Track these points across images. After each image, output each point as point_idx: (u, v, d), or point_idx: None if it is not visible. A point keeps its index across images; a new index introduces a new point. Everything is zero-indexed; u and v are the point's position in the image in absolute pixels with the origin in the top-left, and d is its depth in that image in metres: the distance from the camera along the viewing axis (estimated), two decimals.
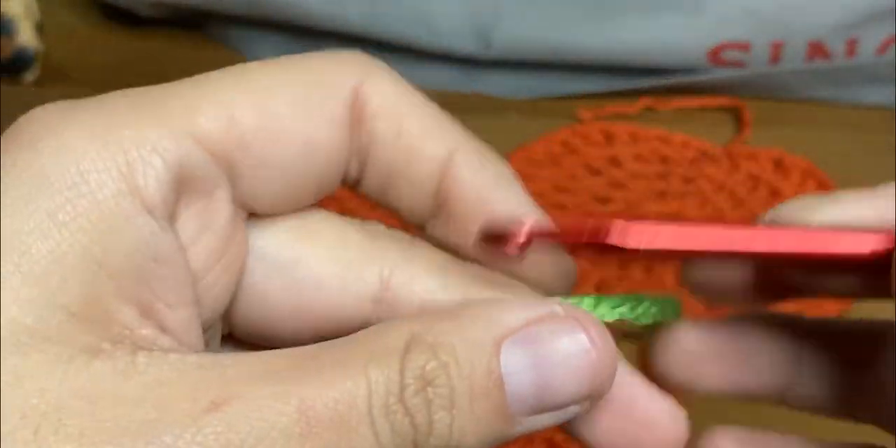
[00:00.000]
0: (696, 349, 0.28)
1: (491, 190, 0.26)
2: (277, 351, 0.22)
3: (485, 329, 0.23)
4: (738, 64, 0.66)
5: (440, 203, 0.26)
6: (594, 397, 0.23)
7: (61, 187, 0.22)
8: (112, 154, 0.23)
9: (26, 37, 0.67)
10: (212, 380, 0.21)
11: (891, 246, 0.25)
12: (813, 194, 0.26)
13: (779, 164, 0.62)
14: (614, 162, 0.62)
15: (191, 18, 0.72)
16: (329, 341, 0.23)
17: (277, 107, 0.25)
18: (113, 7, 0.72)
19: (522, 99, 0.68)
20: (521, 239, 0.24)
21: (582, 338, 0.23)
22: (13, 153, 0.23)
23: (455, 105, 0.75)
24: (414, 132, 0.26)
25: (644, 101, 0.67)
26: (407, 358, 0.22)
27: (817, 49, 0.65)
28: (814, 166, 0.61)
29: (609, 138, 0.64)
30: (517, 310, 0.23)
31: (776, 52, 0.65)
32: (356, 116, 0.26)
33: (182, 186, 0.23)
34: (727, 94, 0.67)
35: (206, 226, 0.24)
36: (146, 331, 0.22)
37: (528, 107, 0.68)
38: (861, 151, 0.64)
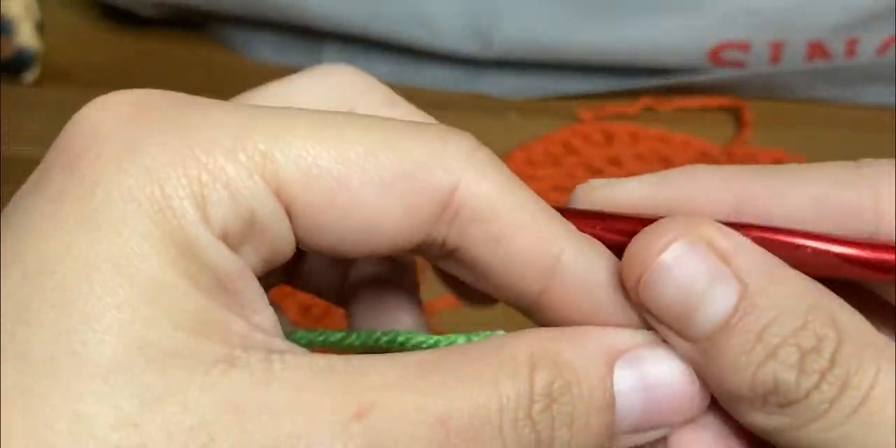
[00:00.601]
0: None
1: (598, 298, 0.25)
2: (403, 356, 0.23)
3: (599, 348, 0.24)
4: (738, 64, 0.66)
5: (541, 299, 0.26)
6: (686, 422, 0.25)
7: (149, 210, 0.22)
8: (190, 181, 0.23)
9: (26, 37, 0.67)
10: (351, 385, 0.22)
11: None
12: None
13: (779, 164, 0.62)
14: (614, 162, 0.62)
15: (191, 18, 0.72)
16: (449, 348, 0.24)
17: (361, 187, 0.23)
18: (113, 7, 0.72)
19: (522, 99, 0.68)
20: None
21: (682, 364, 0.24)
22: (97, 169, 0.23)
23: (455, 105, 0.75)
24: (515, 240, 0.25)
25: (644, 101, 0.67)
26: (535, 375, 0.23)
27: (817, 49, 0.65)
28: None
29: (609, 138, 0.64)
30: (627, 333, 0.24)
31: (776, 52, 0.65)
32: (447, 215, 0.24)
33: (245, 222, 0.23)
34: (727, 94, 0.67)
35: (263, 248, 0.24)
36: (260, 336, 0.23)
37: (528, 107, 0.68)
38: (861, 151, 0.64)
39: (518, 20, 0.66)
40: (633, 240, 0.24)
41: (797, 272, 0.24)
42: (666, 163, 0.62)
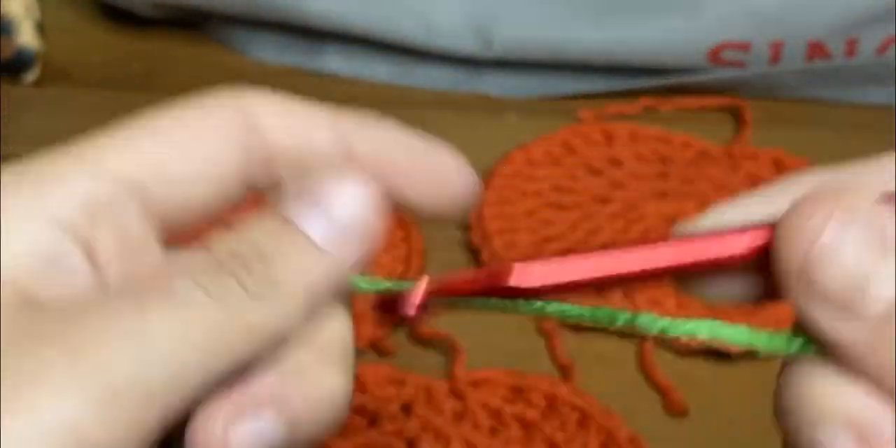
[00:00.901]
0: None
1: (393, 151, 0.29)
2: None
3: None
4: (738, 64, 0.66)
5: None
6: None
7: None
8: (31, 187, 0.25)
9: (27, 37, 0.67)
10: None
11: (763, 240, 0.24)
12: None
13: (779, 164, 0.62)
14: (614, 162, 0.62)
15: (191, 18, 0.72)
16: None
17: (172, 163, 0.27)
18: (113, 7, 0.72)
19: (522, 99, 0.68)
20: (418, 299, 0.25)
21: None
22: None
23: (455, 105, 0.75)
24: (303, 138, 0.28)
25: (644, 101, 0.67)
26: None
27: (817, 49, 0.65)
28: (814, 166, 0.61)
29: (609, 138, 0.64)
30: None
31: (776, 52, 0.65)
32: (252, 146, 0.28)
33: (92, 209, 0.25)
34: (727, 93, 0.67)
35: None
36: None
37: (527, 107, 0.68)
38: (861, 151, 0.64)
39: (518, 20, 0.66)
40: (786, 217, 0.23)
41: None
42: (666, 163, 0.62)
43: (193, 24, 0.73)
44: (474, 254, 0.57)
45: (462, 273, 0.25)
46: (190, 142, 0.28)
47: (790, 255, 0.23)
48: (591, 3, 0.65)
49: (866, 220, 0.22)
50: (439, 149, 0.29)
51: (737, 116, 0.66)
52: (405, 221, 0.58)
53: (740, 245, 0.24)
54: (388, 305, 0.26)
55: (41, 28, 0.68)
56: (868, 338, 0.22)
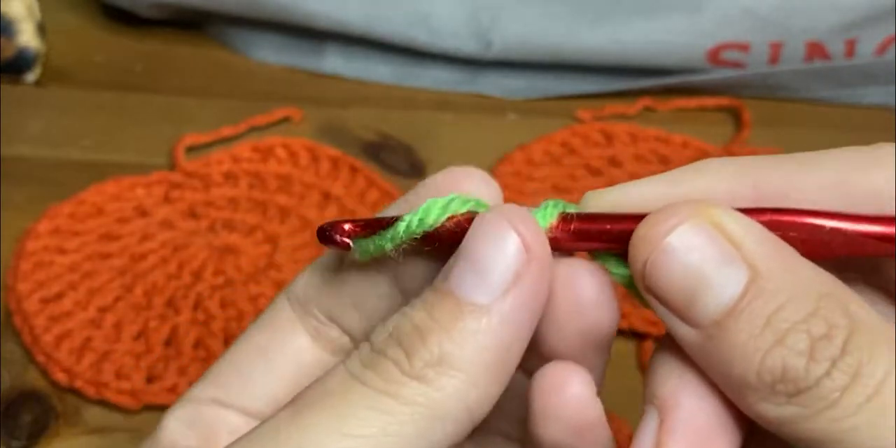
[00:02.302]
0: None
1: None
2: None
3: None
4: (738, 64, 0.66)
5: None
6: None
7: None
8: None
9: (28, 37, 0.67)
10: None
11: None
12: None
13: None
14: (614, 162, 0.62)
15: (191, 19, 0.72)
16: None
17: None
18: (114, 8, 0.72)
19: (522, 99, 0.68)
20: (348, 227, 0.27)
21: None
22: None
23: (455, 105, 0.76)
24: None
25: (643, 102, 0.67)
26: None
27: (816, 49, 0.65)
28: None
29: (608, 138, 0.64)
30: None
31: (775, 53, 0.65)
32: None
33: None
34: (726, 94, 0.67)
35: None
36: None
37: (527, 107, 0.68)
38: None
39: (518, 21, 0.66)
40: (640, 224, 0.24)
41: (808, 261, 0.23)
42: (665, 163, 0.62)
43: (194, 24, 0.73)
44: None
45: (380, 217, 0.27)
46: None
47: (637, 257, 0.24)
48: (591, 5, 0.65)
49: (713, 232, 0.23)
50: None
51: (736, 116, 0.67)
52: None
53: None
54: (322, 233, 0.28)
55: (42, 29, 0.68)
56: (700, 341, 0.23)
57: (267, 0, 0.67)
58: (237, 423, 0.29)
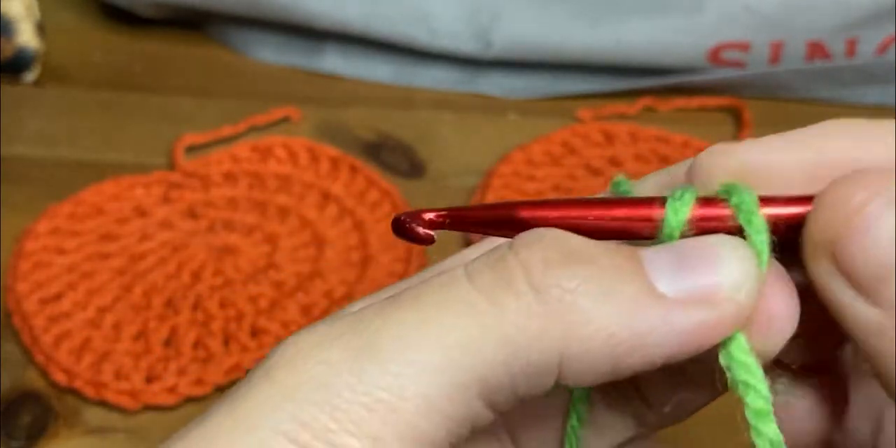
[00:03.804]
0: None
1: None
2: None
3: None
4: (738, 64, 0.66)
5: None
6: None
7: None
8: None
9: (27, 37, 0.67)
10: None
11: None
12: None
13: None
14: (614, 162, 0.62)
15: (191, 18, 0.72)
16: None
17: None
18: (113, 7, 0.72)
19: (522, 99, 0.68)
20: (431, 216, 0.24)
21: None
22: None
23: (455, 105, 0.76)
24: None
25: (644, 101, 0.67)
26: None
27: (817, 49, 0.65)
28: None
29: (609, 138, 0.64)
30: None
31: (776, 52, 0.65)
32: None
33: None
34: (727, 94, 0.67)
35: None
36: None
37: (527, 107, 0.68)
38: None
39: (518, 20, 0.66)
40: (826, 192, 0.22)
41: None
42: (665, 163, 0.62)
43: (194, 24, 0.73)
44: None
45: (477, 204, 0.24)
46: None
47: (826, 225, 0.21)
48: (591, 4, 0.65)
49: None
50: None
51: (736, 116, 0.67)
52: None
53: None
54: (402, 225, 0.24)
55: (41, 28, 0.68)
56: (883, 322, 0.21)
57: (266, 0, 0.67)
58: None
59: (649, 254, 0.22)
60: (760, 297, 0.22)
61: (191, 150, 0.63)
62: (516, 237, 0.22)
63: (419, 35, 0.67)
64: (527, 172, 0.61)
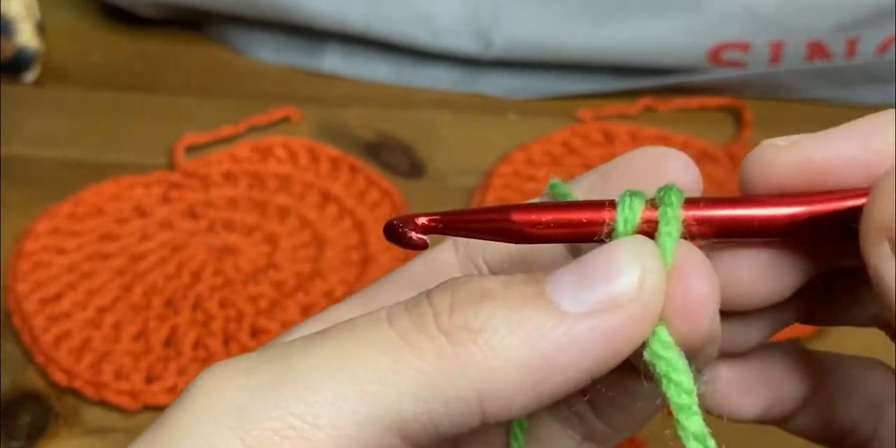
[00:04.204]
0: (731, 382, 0.27)
1: None
2: None
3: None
4: (738, 64, 0.66)
5: None
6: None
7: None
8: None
9: (27, 37, 0.67)
10: None
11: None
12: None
13: None
14: None
15: (191, 18, 0.72)
16: None
17: None
18: (113, 7, 0.72)
19: (522, 99, 0.68)
20: (423, 221, 0.24)
21: None
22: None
23: (455, 105, 0.76)
24: None
25: (644, 101, 0.67)
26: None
27: (817, 49, 0.65)
28: None
29: (609, 138, 0.64)
30: None
31: (776, 52, 0.65)
32: None
33: None
34: (727, 94, 0.67)
35: None
36: None
37: (527, 107, 0.68)
38: None
39: (518, 20, 0.66)
40: (878, 186, 0.22)
41: None
42: None
43: (193, 24, 0.73)
44: None
45: (470, 208, 0.24)
46: None
47: (885, 212, 0.21)
48: (591, 4, 0.65)
49: None
50: None
51: (737, 116, 0.67)
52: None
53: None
54: (394, 231, 0.24)
55: (41, 28, 0.68)
56: None
57: (266, 0, 0.67)
58: None
59: (553, 276, 0.22)
60: (674, 285, 0.22)
61: (191, 149, 0.63)
62: (435, 285, 0.23)
63: (419, 35, 0.67)
64: (527, 172, 0.62)
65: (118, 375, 0.51)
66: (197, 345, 0.52)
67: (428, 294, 0.23)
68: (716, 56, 0.65)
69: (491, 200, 0.59)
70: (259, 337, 0.52)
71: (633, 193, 0.23)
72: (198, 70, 0.70)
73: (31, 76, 0.69)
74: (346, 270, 0.56)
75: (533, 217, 0.23)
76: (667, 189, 0.23)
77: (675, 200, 0.23)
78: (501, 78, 0.69)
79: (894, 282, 0.21)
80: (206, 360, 0.51)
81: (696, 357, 0.23)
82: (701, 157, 0.62)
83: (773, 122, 0.66)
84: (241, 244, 0.57)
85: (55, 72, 0.70)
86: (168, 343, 0.53)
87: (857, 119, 0.23)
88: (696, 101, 0.67)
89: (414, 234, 0.24)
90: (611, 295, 0.22)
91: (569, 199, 0.25)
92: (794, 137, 0.24)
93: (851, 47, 0.65)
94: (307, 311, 0.54)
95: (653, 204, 0.23)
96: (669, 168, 0.25)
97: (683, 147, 0.63)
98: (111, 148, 0.64)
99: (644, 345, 0.22)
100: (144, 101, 0.68)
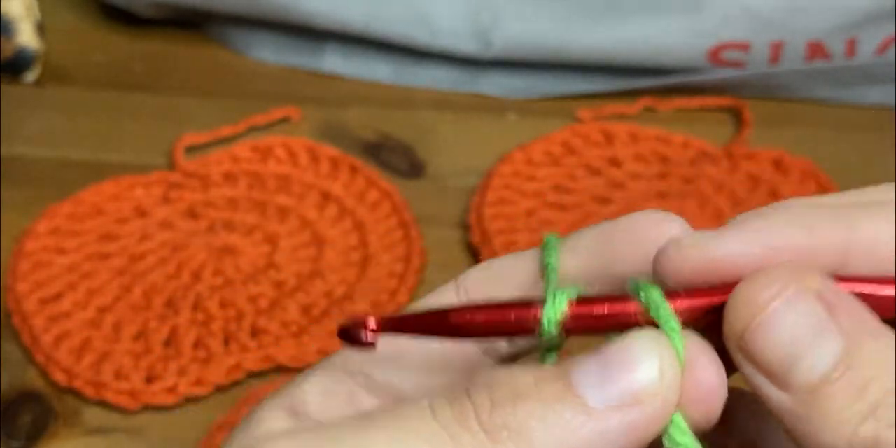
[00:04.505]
0: None
1: None
2: None
3: None
4: (738, 64, 0.66)
5: None
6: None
7: None
8: None
9: (27, 37, 0.67)
10: None
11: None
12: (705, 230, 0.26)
13: (778, 164, 0.62)
14: (614, 162, 0.63)
15: (191, 19, 0.72)
16: None
17: None
18: (113, 7, 0.73)
19: (522, 99, 0.68)
20: (372, 326, 0.26)
21: None
22: None
23: (455, 105, 0.76)
24: None
25: (644, 102, 0.67)
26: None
27: (817, 49, 0.65)
28: (814, 166, 0.62)
29: (609, 138, 0.64)
30: None
31: (776, 53, 0.65)
32: None
33: None
34: (727, 94, 0.67)
35: None
36: None
37: (527, 107, 0.68)
38: (861, 151, 0.65)
39: (518, 21, 0.66)
40: (738, 288, 0.24)
41: (890, 330, 0.24)
42: (665, 163, 0.62)
43: (194, 24, 0.73)
44: (474, 253, 0.57)
45: (413, 312, 0.27)
46: None
47: (737, 320, 0.24)
48: (591, 4, 0.65)
49: (814, 303, 0.24)
50: None
51: (736, 116, 0.67)
52: (405, 221, 0.58)
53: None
54: (347, 333, 0.26)
55: (41, 28, 0.69)
56: (792, 406, 0.23)
57: (266, 0, 0.67)
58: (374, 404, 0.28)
59: (578, 371, 0.24)
60: (686, 376, 0.24)
61: (191, 150, 0.63)
62: (473, 376, 0.25)
63: (419, 35, 0.67)
64: (527, 172, 0.62)
65: (118, 375, 0.51)
66: (197, 345, 0.53)
67: (468, 391, 0.25)
68: (716, 56, 0.66)
69: (491, 200, 0.59)
70: (259, 337, 0.52)
71: (560, 292, 0.25)
72: (198, 70, 0.70)
73: (31, 76, 0.69)
74: (345, 270, 0.56)
75: (468, 318, 0.25)
76: (645, 288, 0.25)
77: (658, 296, 0.24)
78: (501, 78, 0.69)
79: (754, 381, 0.24)
80: (206, 360, 0.51)
81: (706, 435, 0.25)
82: (700, 157, 0.63)
83: (774, 121, 0.66)
84: (241, 244, 0.57)
85: (55, 72, 0.70)
86: (168, 343, 0.53)
87: (753, 213, 0.25)
88: (695, 101, 0.67)
89: (366, 335, 0.26)
90: (634, 390, 0.24)
91: (548, 266, 0.27)
92: (698, 235, 0.25)
93: (851, 47, 0.65)
94: (307, 311, 0.54)
95: (611, 299, 0.25)
96: (668, 231, 0.26)
97: (683, 147, 0.64)
98: (111, 148, 0.64)
99: (664, 432, 0.24)
100: (144, 102, 0.68)
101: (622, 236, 0.27)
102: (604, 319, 0.25)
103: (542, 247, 0.27)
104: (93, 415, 0.50)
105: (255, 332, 0.53)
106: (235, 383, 0.51)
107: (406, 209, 0.59)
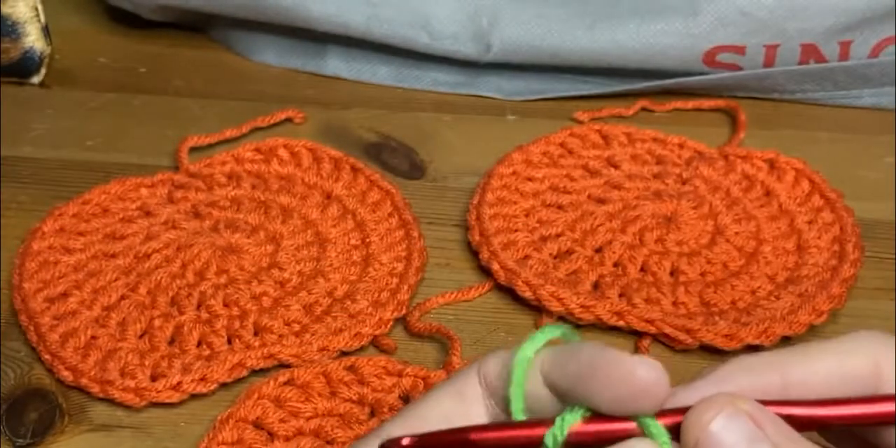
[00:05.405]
0: None
1: None
2: None
3: None
4: (734, 66, 0.66)
5: None
6: None
7: None
8: None
9: (33, 39, 0.68)
10: None
11: None
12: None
13: (773, 165, 0.62)
14: (611, 163, 0.63)
15: (195, 22, 0.73)
16: None
17: None
18: (119, 10, 0.73)
19: (521, 101, 0.69)
20: (405, 442, 0.31)
21: None
22: None
23: (455, 106, 0.76)
24: None
25: (641, 103, 0.67)
26: None
27: (811, 51, 0.65)
28: (808, 167, 0.62)
29: (606, 139, 0.64)
30: None
31: (770, 55, 0.66)
32: None
33: None
34: (722, 95, 0.68)
35: None
36: None
37: (526, 108, 0.68)
38: (854, 153, 0.65)
39: (516, 24, 0.66)
40: (688, 412, 0.30)
41: (809, 442, 0.30)
42: (662, 164, 0.63)
43: (198, 27, 0.73)
44: (474, 253, 0.58)
45: (441, 431, 0.31)
46: None
47: (688, 436, 0.29)
48: (589, 7, 0.65)
49: (745, 419, 0.29)
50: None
51: (732, 118, 0.67)
52: (406, 221, 0.59)
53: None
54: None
55: (47, 30, 0.69)
56: None
57: (269, 4, 0.67)
58: None
59: None
60: None
61: (195, 151, 0.64)
62: None
63: (419, 38, 0.67)
64: (525, 173, 0.62)
65: (123, 373, 0.51)
66: (201, 343, 0.53)
67: None
68: (711, 59, 0.66)
69: (491, 199, 0.60)
70: (262, 335, 0.53)
71: (567, 413, 0.30)
72: (202, 73, 0.71)
73: (37, 78, 0.69)
74: (347, 269, 0.56)
75: (485, 435, 0.30)
76: (644, 423, 0.30)
77: (656, 427, 0.30)
78: (500, 80, 0.69)
79: None
80: (211, 358, 0.52)
81: None
82: (696, 158, 0.63)
83: (769, 123, 0.67)
84: (245, 244, 0.57)
85: (61, 74, 0.70)
86: (173, 341, 0.53)
87: (715, 369, 0.32)
88: (691, 103, 0.68)
89: None
90: None
91: (514, 382, 0.32)
92: (672, 390, 0.31)
93: (846, 50, 0.66)
94: (310, 310, 0.54)
95: (606, 419, 0.30)
96: (645, 376, 0.30)
97: (679, 148, 0.64)
98: (116, 149, 0.65)
99: None
100: (149, 103, 0.68)
101: (602, 376, 0.30)
102: (602, 437, 0.30)
103: (517, 362, 0.31)
104: (98, 412, 0.50)
105: (259, 331, 0.53)
106: (239, 380, 0.52)
107: (407, 209, 0.59)
